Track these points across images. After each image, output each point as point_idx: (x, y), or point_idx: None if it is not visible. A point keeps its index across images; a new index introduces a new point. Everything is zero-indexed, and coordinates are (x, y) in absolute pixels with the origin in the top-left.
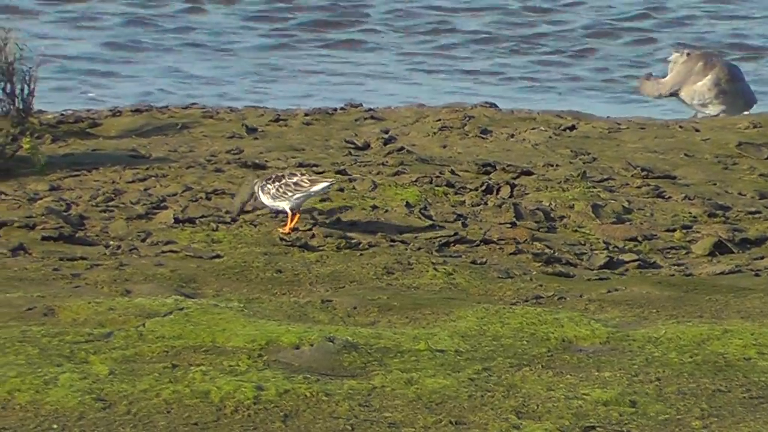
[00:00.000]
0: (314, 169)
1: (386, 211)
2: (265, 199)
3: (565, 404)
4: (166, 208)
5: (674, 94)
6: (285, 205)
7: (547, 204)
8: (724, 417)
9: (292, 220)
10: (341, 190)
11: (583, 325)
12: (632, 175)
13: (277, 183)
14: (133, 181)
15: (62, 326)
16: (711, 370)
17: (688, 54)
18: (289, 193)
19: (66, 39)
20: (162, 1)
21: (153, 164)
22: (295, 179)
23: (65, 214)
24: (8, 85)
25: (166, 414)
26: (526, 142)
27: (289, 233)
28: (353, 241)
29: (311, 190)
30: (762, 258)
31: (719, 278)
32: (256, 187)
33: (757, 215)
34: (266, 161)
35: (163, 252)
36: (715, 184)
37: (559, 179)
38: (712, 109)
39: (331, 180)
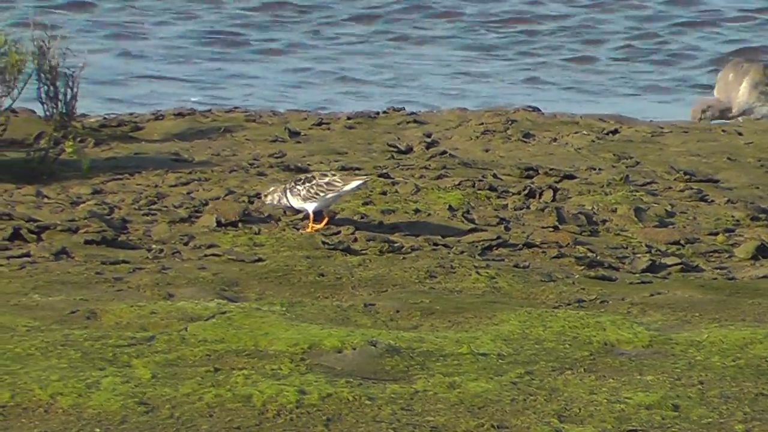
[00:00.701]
0: (356, 172)
1: (429, 214)
2: (294, 201)
3: (607, 408)
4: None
5: (725, 113)
6: (311, 207)
7: (590, 208)
8: (767, 420)
9: (321, 222)
10: (384, 193)
11: (626, 329)
12: (675, 179)
13: (307, 184)
14: (175, 185)
15: (105, 330)
16: (754, 374)
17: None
18: (322, 193)
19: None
20: None
21: (195, 168)
22: (327, 179)
23: (108, 217)
24: (51, 89)
25: (208, 418)
26: (568, 146)
27: (315, 231)
28: (396, 244)
29: (343, 189)
30: None
31: (762, 282)
32: (273, 198)
33: None
34: (309, 165)
35: (205, 255)
36: (757, 188)
37: (602, 183)
38: (765, 110)
39: (363, 179)
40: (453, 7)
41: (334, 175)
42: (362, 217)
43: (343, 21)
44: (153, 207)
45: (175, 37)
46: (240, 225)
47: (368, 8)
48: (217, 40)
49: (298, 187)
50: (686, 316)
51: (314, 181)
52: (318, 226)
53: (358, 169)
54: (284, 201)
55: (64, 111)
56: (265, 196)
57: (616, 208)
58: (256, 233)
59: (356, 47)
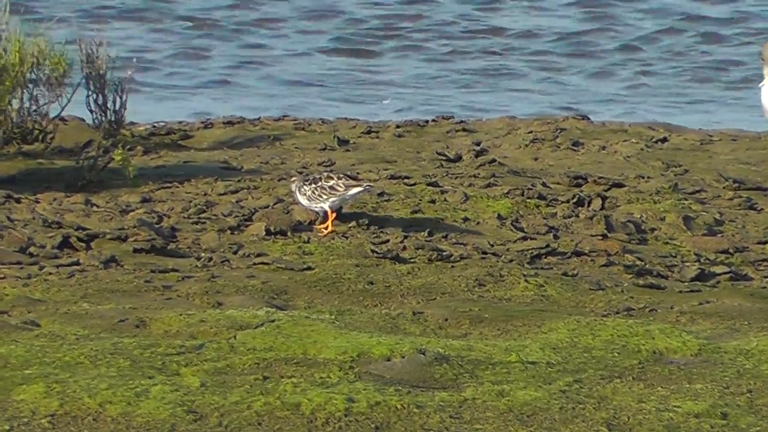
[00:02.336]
0: (405, 181)
1: (478, 223)
2: (302, 200)
3: (656, 416)
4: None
5: None
6: (322, 207)
7: (639, 216)
8: None
9: (328, 219)
10: (432, 202)
11: (675, 337)
12: (724, 187)
13: (313, 185)
14: (224, 193)
15: (154, 338)
16: None
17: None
18: (324, 196)
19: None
20: None
21: (245, 176)
22: (331, 183)
23: (157, 226)
24: (100, 97)
25: (257, 426)
26: (617, 154)
27: (326, 233)
28: (445, 253)
29: (346, 194)
30: None
31: None
32: (293, 186)
33: None
34: (358, 173)
35: (254, 264)
36: None
37: (651, 191)
38: None
39: (366, 185)
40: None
41: (339, 179)
42: (411, 226)
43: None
44: (202, 215)
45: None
46: (289, 233)
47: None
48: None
49: (305, 187)
50: (735, 325)
51: (320, 184)
52: (327, 224)
53: (407, 177)
54: (296, 196)
55: (112, 119)
56: (290, 182)
57: (664, 217)
58: (305, 242)
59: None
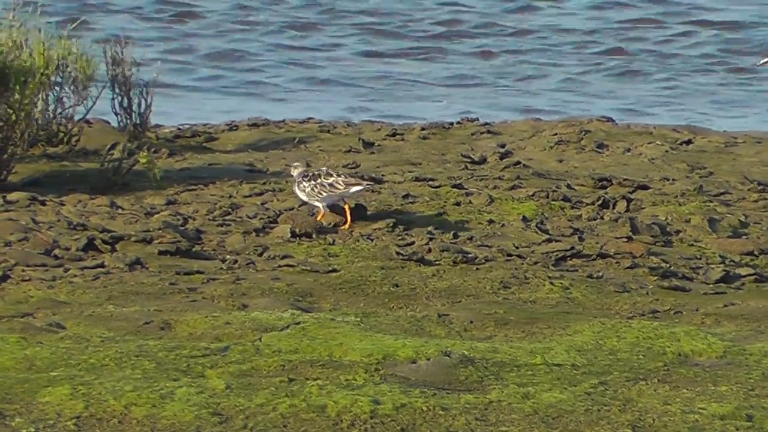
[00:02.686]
0: (430, 183)
1: (503, 225)
2: (301, 195)
3: (681, 418)
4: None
5: None
6: (319, 203)
7: (664, 218)
8: None
9: (321, 215)
10: (457, 204)
11: (700, 339)
12: (749, 189)
13: (312, 182)
14: (249, 196)
15: (179, 340)
16: None
17: None
18: (324, 194)
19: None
20: None
21: (270, 179)
22: (330, 180)
23: (182, 228)
24: (125, 100)
25: (282, 428)
26: (642, 156)
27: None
28: (470, 255)
29: (347, 192)
30: None
31: None
32: (294, 173)
33: None
34: (383, 175)
35: (279, 266)
36: None
37: (676, 193)
38: None
39: (364, 184)
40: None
41: (339, 176)
42: (436, 228)
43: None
44: (227, 218)
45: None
46: (314, 236)
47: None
48: None
49: (304, 183)
50: (760, 327)
51: (319, 180)
52: (318, 217)
53: (432, 179)
54: (295, 189)
55: (137, 121)
56: (294, 168)
57: (689, 219)
58: (330, 244)
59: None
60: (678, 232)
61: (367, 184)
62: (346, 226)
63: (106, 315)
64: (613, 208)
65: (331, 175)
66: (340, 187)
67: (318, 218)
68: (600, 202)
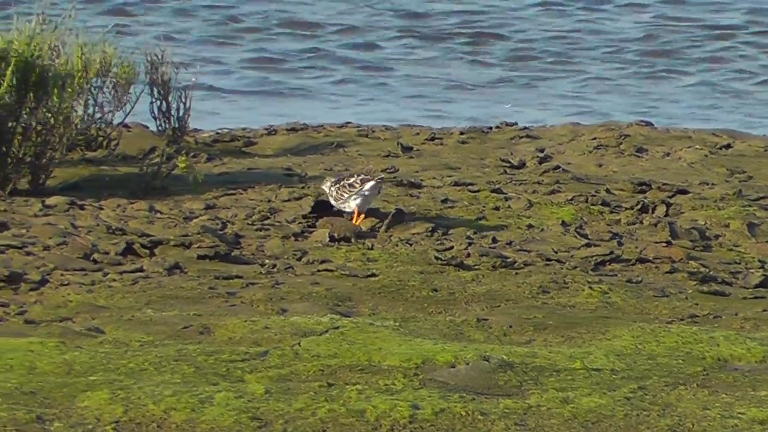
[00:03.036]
0: (469, 187)
1: (542, 229)
2: (332, 201)
3: (720, 423)
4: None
5: None
6: (347, 207)
7: (703, 223)
8: None
9: (357, 217)
10: (496, 209)
11: (739, 344)
12: None
13: (337, 185)
14: (288, 200)
15: (218, 345)
16: None
17: None
18: (345, 195)
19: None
20: None
21: (308, 183)
22: (350, 180)
23: (221, 232)
24: (164, 104)
25: None
26: (681, 160)
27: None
28: (509, 260)
29: (363, 189)
30: None
31: None
32: (326, 187)
33: None
34: (421, 180)
35: (318, 271)
36: None
37: (715, 198)
38: None
39: (377, 180)
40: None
41: (357, 176)
42: (475, 233)
43: None
44: (266, 222)
45: None
46: (353, 240)
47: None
48: None
49: (332, 189)
50: None
51: (342, 183)
52: (359, 219)
53: (471, 184)
54: (329, 198)
55: (176, 126)
56: (323, 184)
57: (729, 223)
58: (369, 248)
59: None
60: (717, 236)
61: (379, 179)
62: (356, 221)
63: (145, 319)
64: (652, 213)
65: (352, 176)
66: (356, 185)
67: (355, 222)
68: (639, 206)
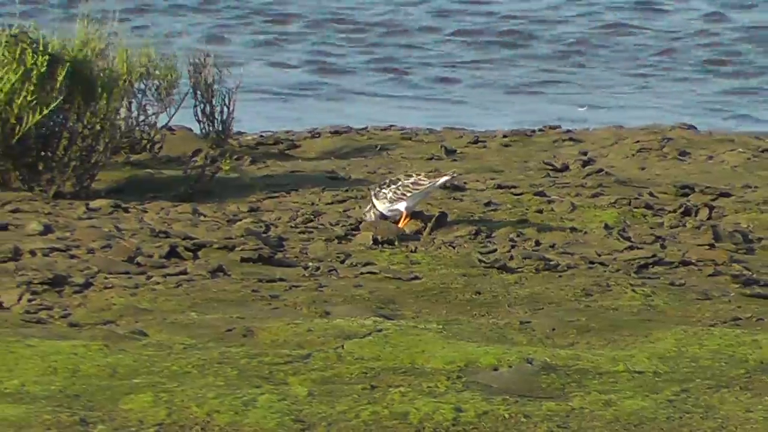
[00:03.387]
0: (512, 190)
1: (585, 232)
2: (381, 206)
3: (763, 426)
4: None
5: None
6: (402, 206)
7: (746, 226)
8: None
9: (404, 219)
10: (540, 211)
11: None
12: None
13: (393, 186)
14: (332, 203)
15: (261, 347)
16: None
17: None
18: (409, 193)
19: None
20: None
21: (352, 186)
22: (412, 179)
23: (264, 235)
24: (207, 107)
25: None
26: (724, 163)
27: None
28: (552, 262)
29: (433, 184)
30: None
31: None
32: (371, 207)
33: None
34: (465, 183)
35: (362, 273)
36: None
37: (758, 201)
38: None
39: (450, 174)
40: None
41: (418, 174)
42: (518, 235)
43: None
44: (309, 225)
45: None
46: (396, 243)
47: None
48: None
49: (384, 190)
50: None
51: (400, 183)
52: (406, 222)
53: (514, 187)
54: (376, 211)
55: (220, 129)
56: (365, 214)
57: None
58: (412, 251)
59: None
60: (760, 239)
61: (453, 173)
62: (403, 223)
63: (188, 322)
64: (695, 216)
65: (411, 175)
66: (424, 182)
67: (400, 225)
68: (682, 209)
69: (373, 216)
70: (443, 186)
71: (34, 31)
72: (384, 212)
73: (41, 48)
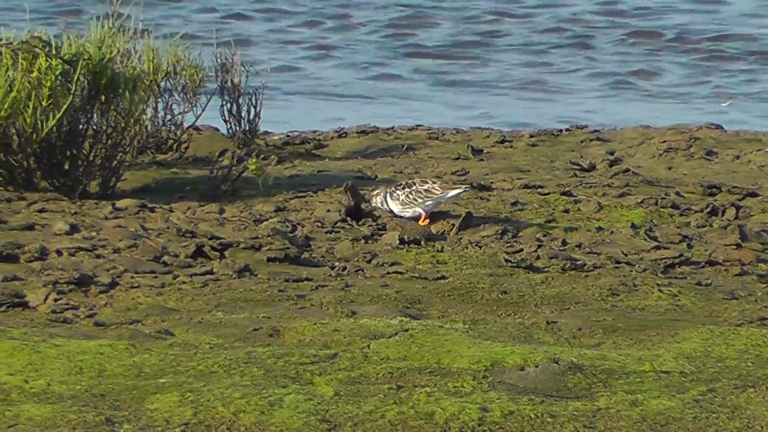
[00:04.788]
0: (539, 190)
1: (611, 232)
2: (393, 206)
3: None
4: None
5: None
6: (410, 212)
7: None
8: None
9: (423, 220)
10: (566, 211)
11: None
12: None
13: (407, 190)
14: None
15: (287, 347)
16: None
17: None
18: (420, 200)
19: None
20: None
21: (379, 185)
22: (426, 186)
23: (291, 235)
24: (234, 107)
25: None
26: (751, 163)
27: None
28: (578, 262)
29: (444, 196)
30: None
31: None
32: (380, 196)
33: None
34: (491, 183)
35: (388, 273)
36: None
37: None
38: None
39: (462, 188)
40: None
41: (434, 182)
42: (545, 235)
43: None
44: (336, 225)
45: None
46: (423, 242)
47: None
48: None
49: (398, 192)
50: None
51: (414, 188)
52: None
53: (541, 186)
54: (386, 205)
55: (247, 128)
56: (373, 197)
57: None
58: (438, 251)
59: None
60: None
61: (466, 187)
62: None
63: (214, 322)
64: (722, 216)
65: (426, 182)
66: (436, 192)
67: (420, 223)
68: (709, 209)
69: (378, 202)
70: (455, 198)
71: (45, 35)
72: (396, 212)
73: (54, 51)
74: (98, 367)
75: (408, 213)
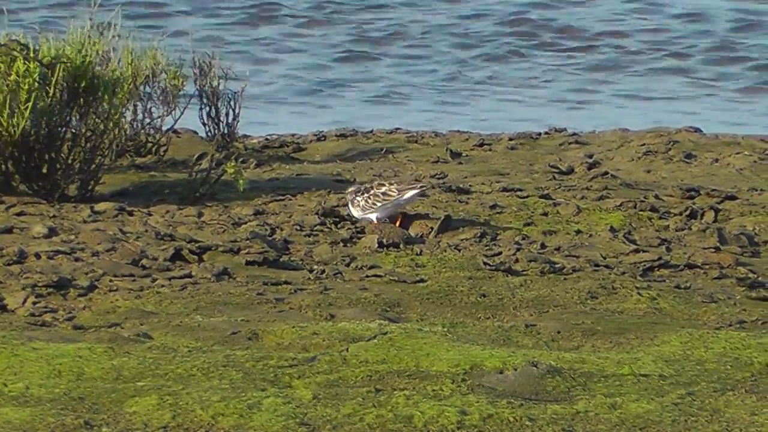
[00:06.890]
0: (518, 193)
1: (590, 235)
2: (354, 212)
3: None
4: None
5: None
6: (373, 217)
7: (752, 229)
8: None
9: (395, 222)
10: (545, 214)
11: None
12: None
13: (365, 195)
14: (337, 206)
15: (266, 350)
16: None
17: None
18: (379, 204)
19: None
20: None
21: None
22: (383, 189)
23: (270, 238)
24: (213, 110)
25: None
26: (730, 166)
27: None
28: (557, 265)
29: (401, 198)
30: None
31: None
32: (348, 197)
33: None
34: (470, 186)
35: (367, 276)
36: None
37: (764, 204)
38: None
39: (419, 188)
40: None
41: (391, 185)
42: (524, 238)
43: None
44: (315, 228)
45: None
46: (402, 246)
47: None
48: None
49: (357, 198)
50: None
51: (372, 192)
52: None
53: (520, 190)
54: (349, 209)
55: (225, 132)
56: (347, 193)
57: None
58: (417, 254)
59: None
60: (766, 242)
61: (422, 187)
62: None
63: (193, 325)
64: (701, 219)
65: (383, 185)
66: (393, 194)
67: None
68: (688, 212)
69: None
70: (414, 199)
71: (23, 38)
72: (357, 217)
73: (32, 54)
74: (77, 370)
75: (366, 220)
